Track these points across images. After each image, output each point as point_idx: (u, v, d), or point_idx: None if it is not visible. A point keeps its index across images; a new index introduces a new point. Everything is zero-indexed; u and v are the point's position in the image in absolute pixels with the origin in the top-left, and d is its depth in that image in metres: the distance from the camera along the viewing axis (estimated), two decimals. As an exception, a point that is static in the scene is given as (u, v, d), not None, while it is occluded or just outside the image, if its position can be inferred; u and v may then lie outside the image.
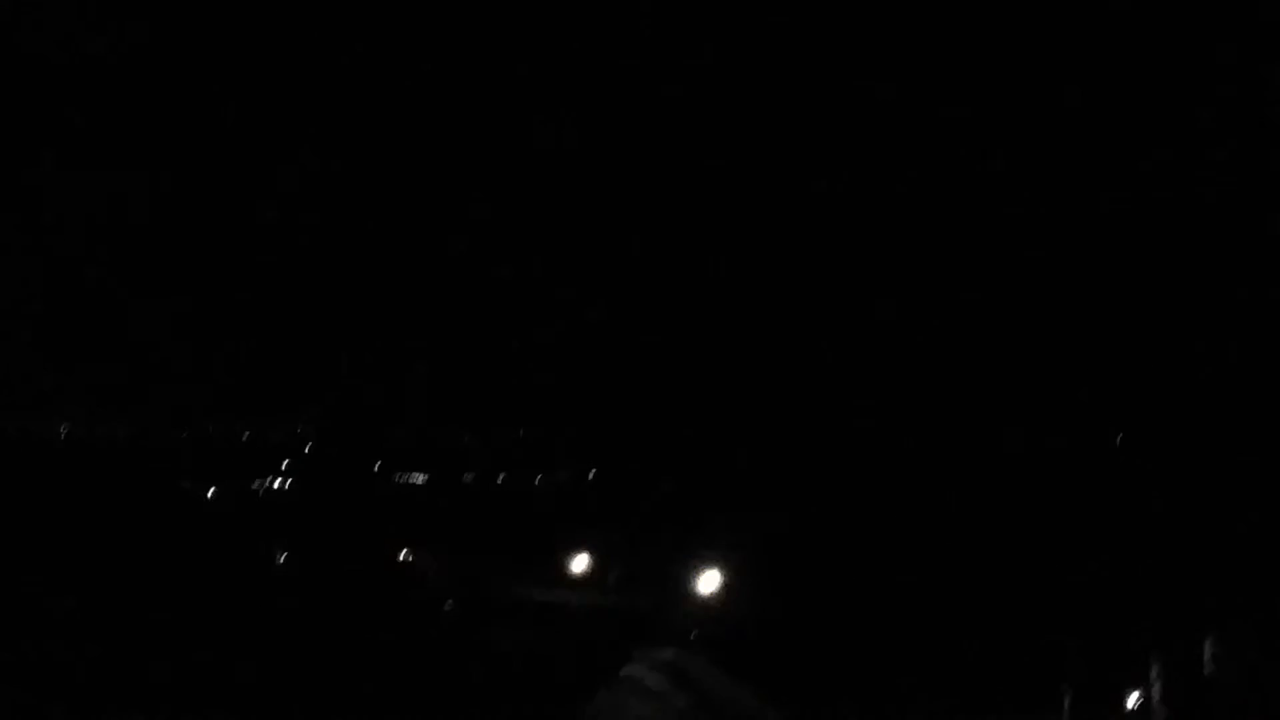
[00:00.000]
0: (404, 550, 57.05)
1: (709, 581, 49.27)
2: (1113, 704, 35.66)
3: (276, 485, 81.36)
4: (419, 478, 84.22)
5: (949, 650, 39.26)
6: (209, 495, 76.07)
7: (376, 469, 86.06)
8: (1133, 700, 35.80)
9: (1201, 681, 38.11)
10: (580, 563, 54.46)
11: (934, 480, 71.33)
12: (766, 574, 50.05)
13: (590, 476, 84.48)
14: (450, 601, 48.43)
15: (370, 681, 31.29)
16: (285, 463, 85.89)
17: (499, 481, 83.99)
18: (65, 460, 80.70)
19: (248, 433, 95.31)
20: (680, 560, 50.80)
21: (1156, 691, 36.01)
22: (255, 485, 79.74)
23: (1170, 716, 35.61)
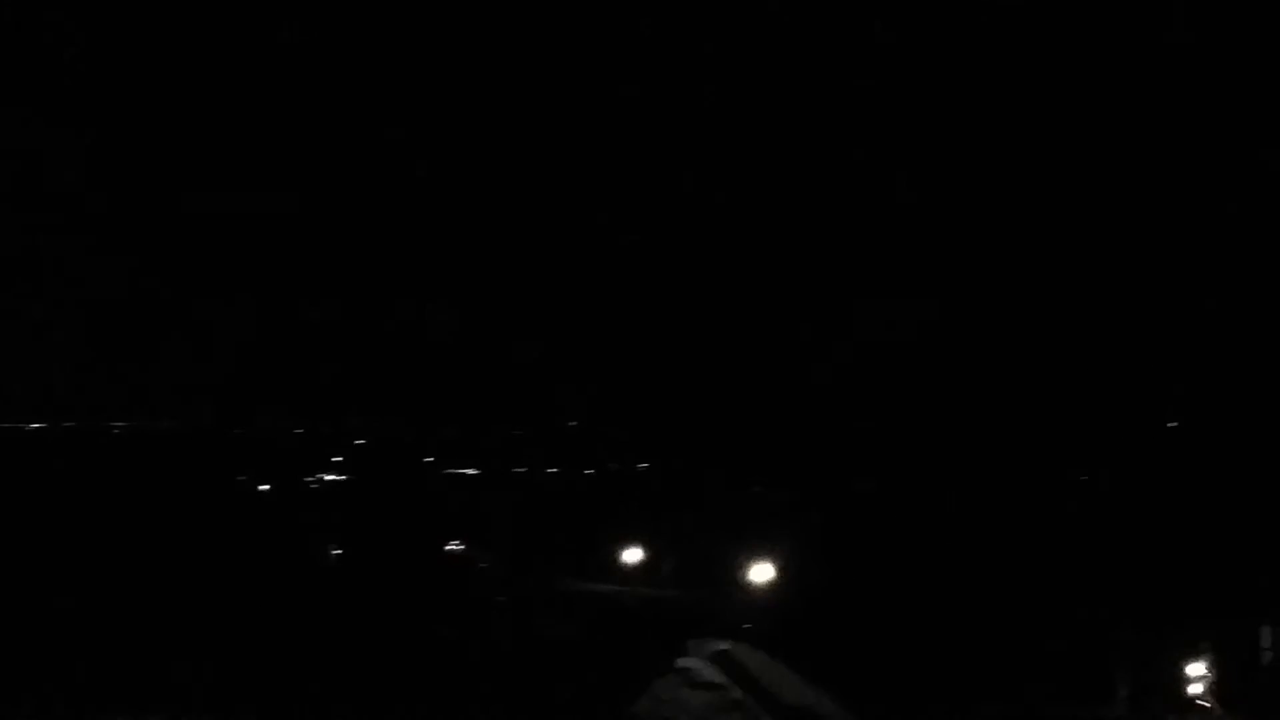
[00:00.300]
0: (456, 543, 57.25)
1: (762, 573, 49.20)
2: (1170, 693, 35.44)
3: (328, 479, 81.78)
4: (470, 471, 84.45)
5: (1003, 639, 39.08)
6: (262, 489, 76.55)
7: (428, 462, 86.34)
8: (1192, 688, 35.59)
9: (1259, 670, 37.84)
10: (634, 555, 54.52)
11: (989, 472, 71.04)
12: (818, 565, 49.95)
13: (643, 468, 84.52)
14: (504, 594, 48.56)
15: (424, 674, 31.39)
16: (337, 457, 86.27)
17: (552, 474, 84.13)
18: (118, 456, 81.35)
19: (299, 428, 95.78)
20: (733, 552, 50.75)
21: (1213, 681, 35.79)
22: (308, 479, 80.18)
23: (1226, 705, 35.39)
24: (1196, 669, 35.96)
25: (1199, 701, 35.41)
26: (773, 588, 50.62)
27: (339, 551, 57.95)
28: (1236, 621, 39.95)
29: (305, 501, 73.29)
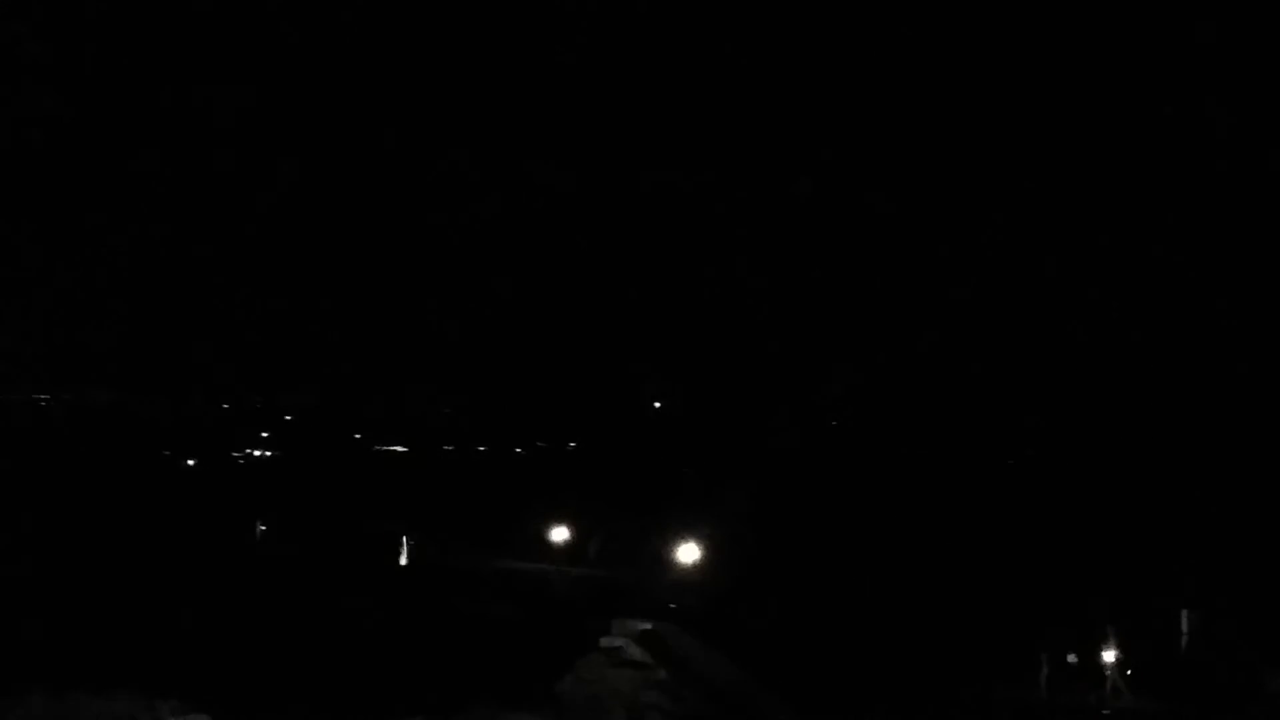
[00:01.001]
0: (383, 520, 57.15)
1: (687, 553, 49.49)
2: (1088, 674, 36.00)
3: (257, 454, 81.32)
4: (399, 448, 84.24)
5: (928, 622, 39.52)
6: (190, 464, 76.00)
7: (356, 439, 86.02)
8: (1110, 670, 36.17)
9: (1177, 655, 38.52)
10: (561, 534, 54.67)
11: (916, 457, 71.60)
12: (744, 546, 50.27)
13: (571, 448, 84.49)
14: (429, 572, 48.53)
15: (347, 651, 31.36)
16: (265, 433, 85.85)
17: (479, 452, 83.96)
18: (45, 428, 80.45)
19: (227, 403, 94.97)
20: (659, 532, 51.00)
21: (1129, 663, 36.40)
22: (236, 454, 79.69)
23: (1143, 687, 36.01)
24: (1115, 652, 36.59)
25: (1116, 683, 36.01)
26: (698, 568, 50.96)
27: (265, 527, 57.76)
28: (1156, 607, 40.67)
29: (233, 476, 72.87)
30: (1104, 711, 34.97)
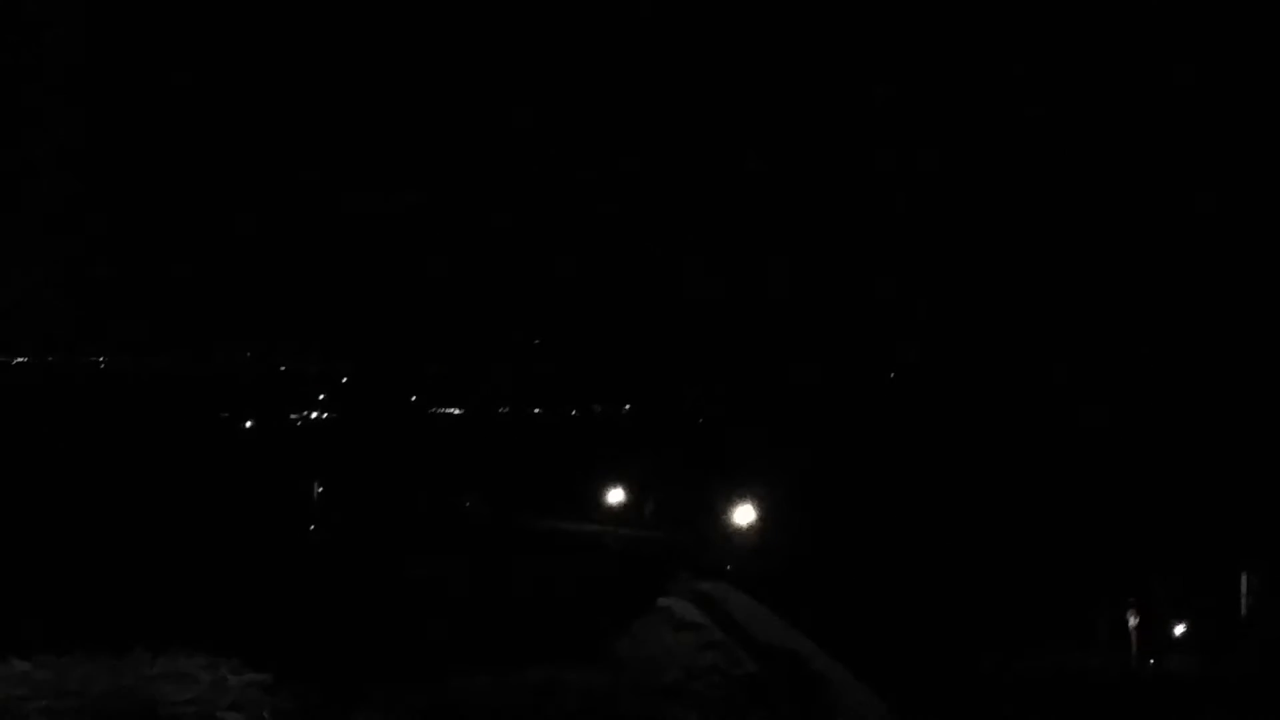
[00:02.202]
0: (439, 482, 57.34)
1: (744, 515, 49.37)
2: (1149, 638, 35.74)
3: (314, 417, 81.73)
4: (455, 411, 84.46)
5: (986, 585, 39.30)
6: (246, 426, 76.51)
7: (413, 402, 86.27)
8: (1171, 632, 35.90)
9: (1238, 619, 38.14)
10: (616, 496, 54.68)
11: (977, 421, 71.12)
12: (801, 509, 50.13)
13: (627, 410, 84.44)
14: (487, 534, 48.68)
15: (406, 611, 31.51)
16: (322, 395, 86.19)
17: (534, 414, 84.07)
18: (106, 391, 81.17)
19: (284, 365, 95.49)
20: (716, 495, 50.90)
21: (1190, 625, 36.08)
22: (294, 416, 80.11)
23: (1204, 650, 35.69)
24: (1177, 612, 36.33)
25: (1175, 645, 35.75)
26: (755, 530, 50.85)
27: (323, 489, 58.10)
28: (1217, 569, 40.26)
29: (291, 438, 73.33)
30: (1160, 675, 34.76)
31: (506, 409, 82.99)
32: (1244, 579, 39.61)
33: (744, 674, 18.06)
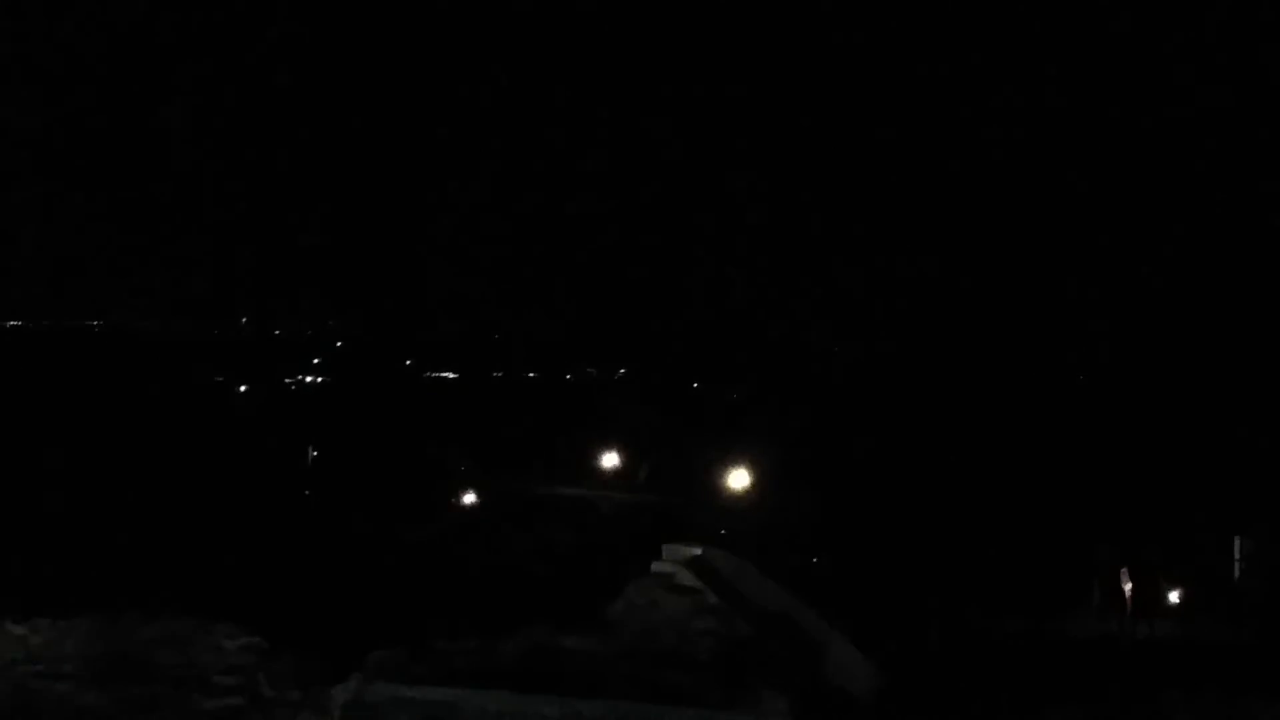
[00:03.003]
0: (433, 446, 57.44)
1: (738, 480, 49.48)
2: (1142, 602, 35.86)
3: (308, 381, 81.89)
4: (449, 375, 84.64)
5: (981, 551, 39.47)
6: (241, 390, 76.65)
7: (407, 365, 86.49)
8: (1164, 597, 36.02)
9: (1232, 581, 38.29)
10: (610, 460, 54.78)
11: (973, 388, 71.33)
12: (795, 472, 50.27)
13: (621, 374, 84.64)
14: (480, 498, 48.80)
15: (399, 575, 31.62)
16: (316, 360, 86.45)
17: (529, 379, 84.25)
18: (99, 355, 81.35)
19: (278, 330, 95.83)
20: (710, 459, 51.01)
21: (1183, 591, 36.20)
22: (288, 380, 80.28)
23: (1197, 613, 35.84)
24: (1171, 576, 36.41)
25: (1169, 610, 35.86)
26: (750, 494, 50.97)
27: (317, 453, 58.18)
28: (1211, 533, 40.37)
29: (284, 403, 73.39)
30: (1149, 639, 34.88)
31: (501, 373, 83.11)
32: (1237, 543, 39.70)
33: (739, 637, 18.07)
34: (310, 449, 57.48)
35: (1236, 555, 38.90)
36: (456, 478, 52.94)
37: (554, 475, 52.55)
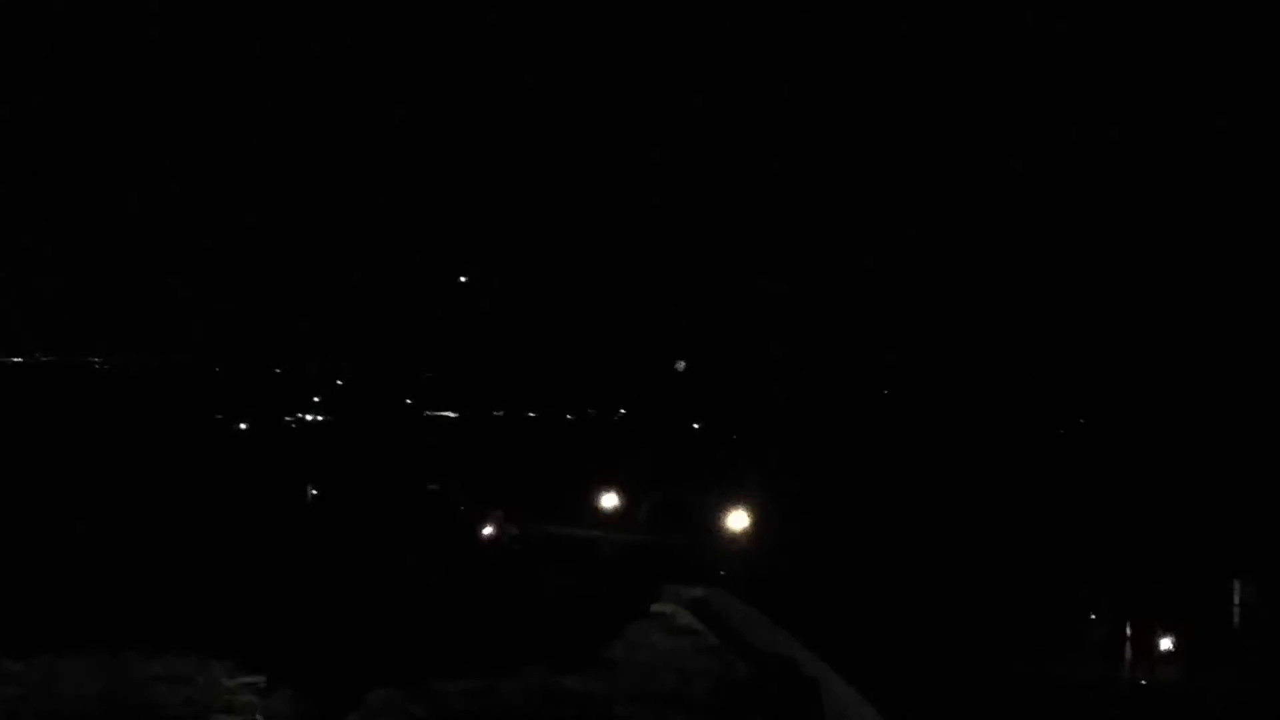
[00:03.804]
0: (434, 486, 57.38)
1: (738, 520, 49.46)
2: (1141, 645, 35.78)
3: (308, 419, 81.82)
4: (450, 414, 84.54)
5: (980, 592, 39.39)
6: (241, 428, 76.57)
7: (408, 404, 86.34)
8: (1163, 641, 35.92)
9: (1230, 627, 38.15)
10: (610, 501, 54.77)
11: (969, 427, 71.21)
12: (795, 513, 50.22)
13: (621, 415, 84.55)
14: (480, 538, 48.74)
15: (400, 614, 31.57)
16: (316, 398, 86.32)
17: (529, 419, 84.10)
18: (101, 392, 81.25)
19: (279, 368, 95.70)
20: (711, 500, 50.98)
21: (1184, 633, 36.09)
22: (288, 419, 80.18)
23: (1198, 657, 35.73)
24: (1160, 624, 36.33)
25: (1167, 652, 35.77)
26: (749, 535, 50.95)
27: (316, 491, 58.15)
28: (1209, 577, 40.28)
29: (285, 440, 73.31)
30: (1147, 686, 34.78)
31: (501, 413, 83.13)
32: (1236, 587, 39.60)
33: (739, 679, 18.11)
34: (310, 487, 57.47)
35: (1235, 600, 38.78)
36: (455, 516, 52.90)
37: (554, 516, 52.49)
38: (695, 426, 77.01)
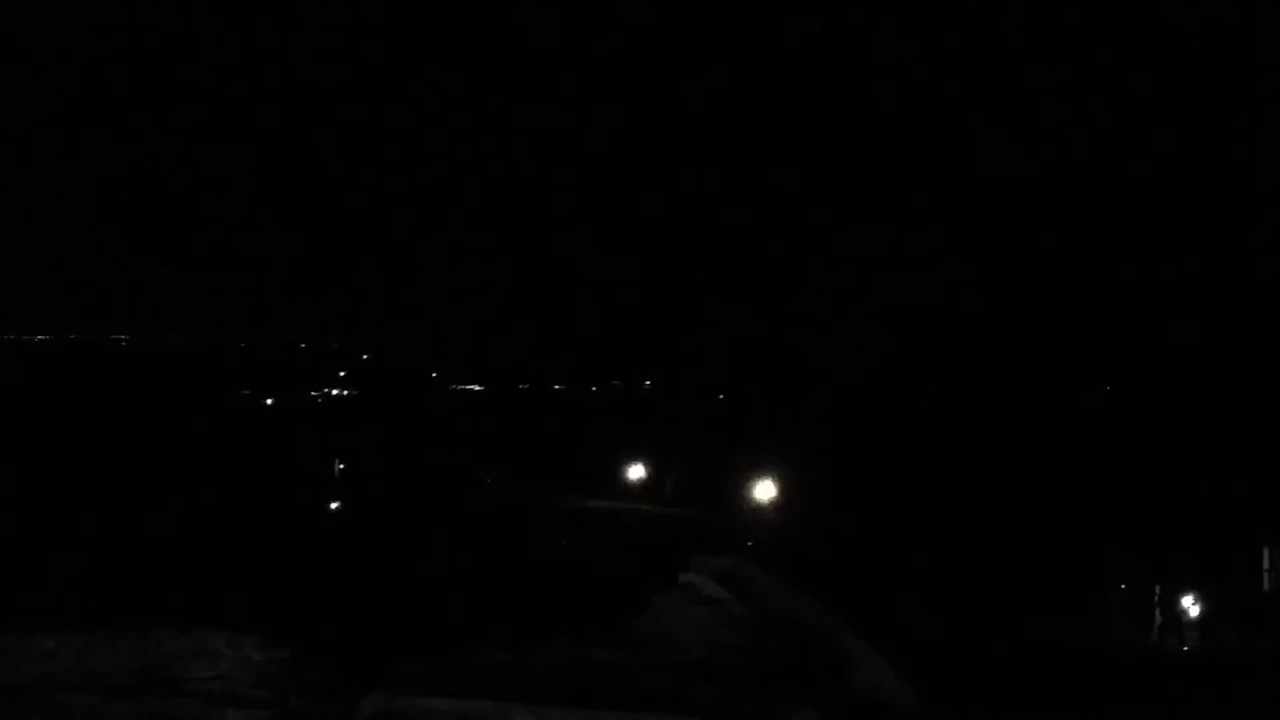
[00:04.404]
0: (461, 458, 57.51)
1: (764, 491, 49.38)
2: (1165, 609, 35.66)
3: (334, 394, 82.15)
4: (476, 387, 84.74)
5: (1003, 558, 39.31)
6: (268, 402, 76.91)
7: (434, 378, 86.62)
8: (1187, 608, 35.78)
9: (1260, 594, 38.02)
10: (636, 473, 54.73)
11: (991, 395, 71.06)
12: (822, 482, 50.15)
13: (648, 387, 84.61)
14: (508, 510, 48.81)
15: (427, 587, 31.65)
16: (342, 373, 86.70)
17: (556, 390, 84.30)
18: (128, 368, 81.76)
19: (305, 343, 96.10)
20: (737, 471, 50.91)
21: (1211, 601, 35.95)
22: (314, 393, 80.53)
23: (1217, 628, 35.58)
24: (1196, 587, 36.17)
25: (1197, 622, 35.63)
26: (776, 505, 50.86)
27: (344, 466, 58.28)
28: (1239, 545, 40.08)
29: (311, 416, 73.59)
30: (1187, 652, 34.65)
31: (528, 385, 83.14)
32: (1265, 554, 39.40)
33: (767, 650, 18.08)
34: (337, 461, 57.60)
35: (1265, 566, 38.60)
36: (482, 490, 53.00)
37: (581, 487, 52.51)
38: (721, 398, 76.93)
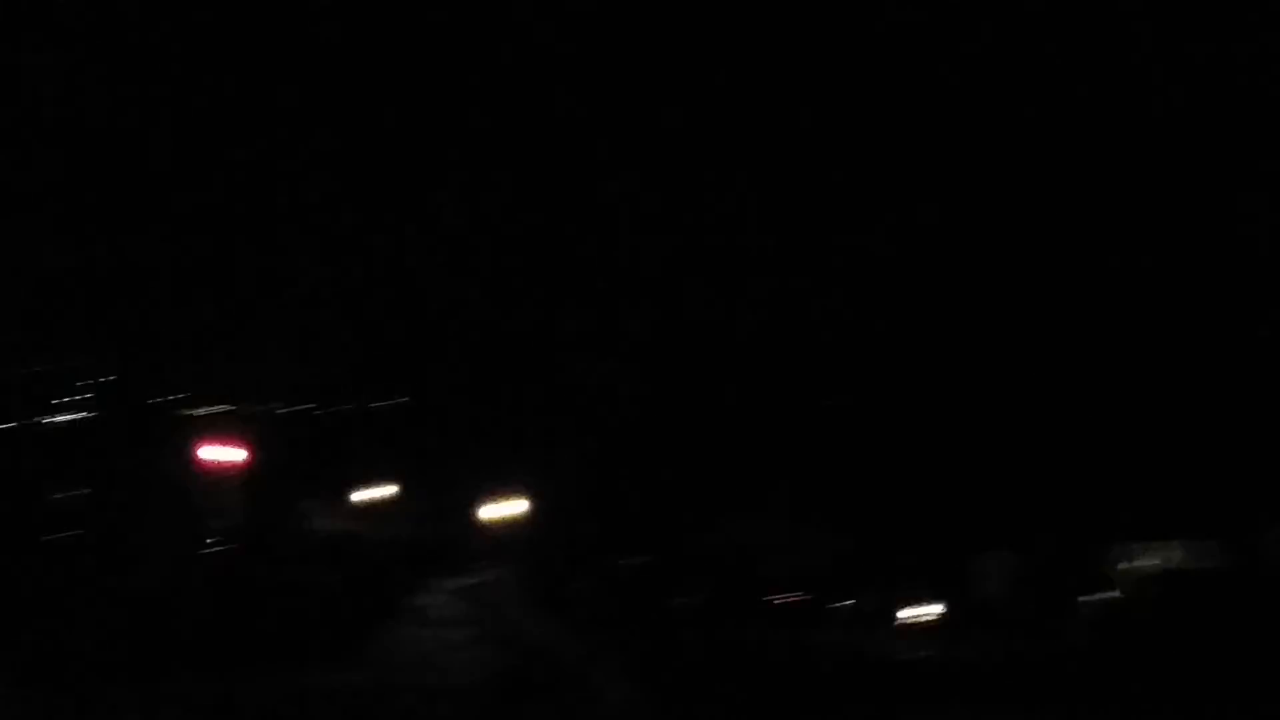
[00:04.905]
0: (198, 478, 55.66)
1: (515, 506, 48.94)
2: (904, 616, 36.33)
3: (60, 418, 78.90)
4: (204, 411, 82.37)
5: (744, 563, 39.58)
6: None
7: (152, 404, 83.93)
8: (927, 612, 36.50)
9: (992, 597, 39.03)
10: (376, 491, 53.59)
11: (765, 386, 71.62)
12: (576, 498, 49.94)
13: (391, 404, 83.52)
14: (236, 534, 47.27)
15: (146, 618, 30.48)
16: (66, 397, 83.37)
17: (298, 411, 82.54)
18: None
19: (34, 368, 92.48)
20: (486, 486, 50.37)
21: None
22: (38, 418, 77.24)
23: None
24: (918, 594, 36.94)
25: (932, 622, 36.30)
26: (527, 521, 50.36)
27: (74, 491, 55.82)
28: (968, 550, 40.99)
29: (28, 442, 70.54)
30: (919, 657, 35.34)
31: (264, 405, 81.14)
32: (994, 560, 40.21)
33: (508, 670, 17.64)
34: (64, 487, 55.17)
35: (988, 574, 39.37)
36: (212, 518, 51.22)
37: (314, 509, 51.18)
38: (471, 414, 76.19)
